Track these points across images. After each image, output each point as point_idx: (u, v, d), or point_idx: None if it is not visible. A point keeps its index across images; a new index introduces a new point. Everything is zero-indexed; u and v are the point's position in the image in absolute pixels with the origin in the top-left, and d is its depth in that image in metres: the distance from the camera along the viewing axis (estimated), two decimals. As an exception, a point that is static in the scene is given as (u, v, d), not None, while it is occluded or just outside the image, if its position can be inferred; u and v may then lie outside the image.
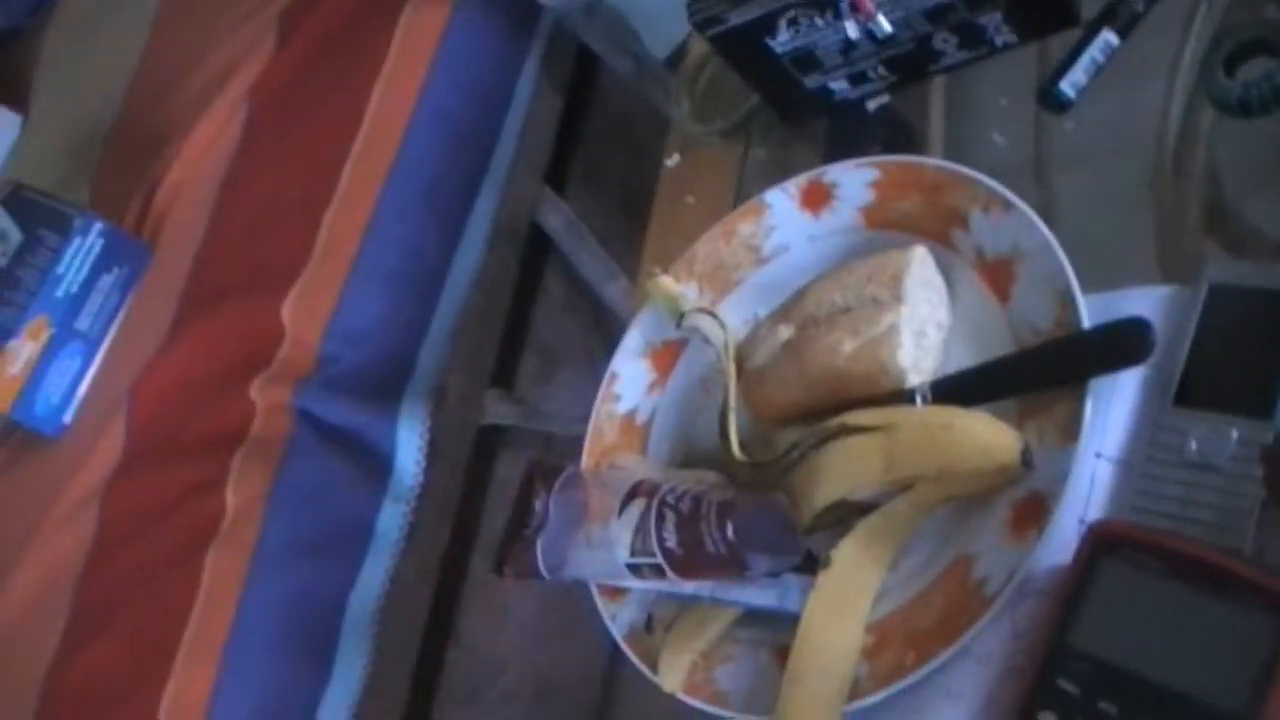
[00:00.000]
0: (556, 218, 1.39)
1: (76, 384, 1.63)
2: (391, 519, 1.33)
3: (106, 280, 1.63)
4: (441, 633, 1.36)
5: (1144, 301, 0.78)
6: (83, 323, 1.62)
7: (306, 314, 1.41)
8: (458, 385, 1.38)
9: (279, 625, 1.29)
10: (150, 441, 1.50)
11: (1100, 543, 0.70)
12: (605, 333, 1.35)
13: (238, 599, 1.29)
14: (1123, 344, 0.75)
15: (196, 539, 1.34)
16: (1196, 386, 0.73)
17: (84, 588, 1.45)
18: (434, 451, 1.34)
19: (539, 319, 1.47)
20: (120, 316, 1.65)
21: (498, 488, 1.40)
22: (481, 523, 1.40)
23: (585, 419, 1.01)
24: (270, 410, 1.38)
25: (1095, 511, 0.75)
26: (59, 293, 1.60)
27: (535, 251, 1.44)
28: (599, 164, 1.46)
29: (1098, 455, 0.76)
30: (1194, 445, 0.72)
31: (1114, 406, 0.76)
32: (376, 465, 1.34)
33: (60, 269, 1.59)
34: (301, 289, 1.42)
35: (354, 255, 1.42)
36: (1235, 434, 0.70)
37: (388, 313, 1.41)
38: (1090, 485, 0.75)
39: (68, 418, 1.62)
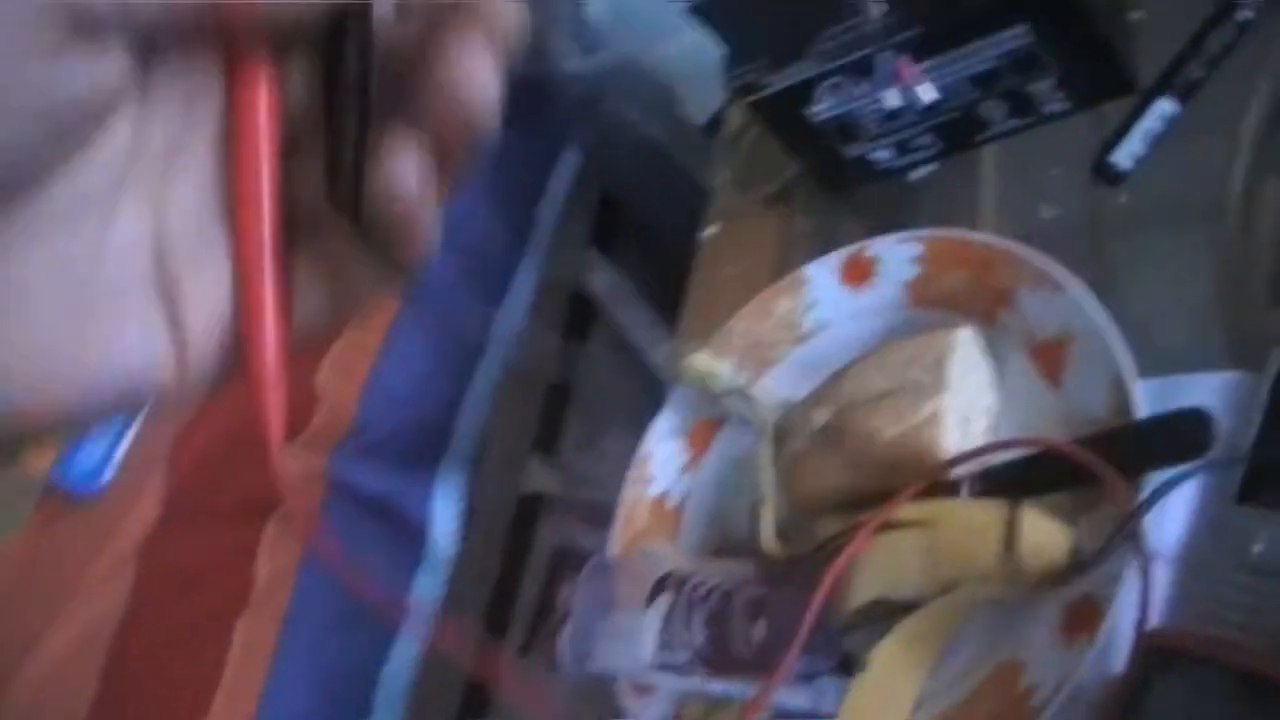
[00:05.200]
0: (602, 280, 1.36)
1: (115, 447, 1.61)
2: (426, 590, 1.31)
3: (148, 340, 1.62)
4: (477, 706, 1.32)
5: (1205, 388, 0.73)
6: (123, 383, 1.61)
7: (343, 376, 1.39)
8: (497, 451, 1.35)
9: (309, 697, 1.27)
10: (187, 504, 1.49)
11: (1155, 654, 0.65)
12: (652, 397, 1.32)
13: (267, 668, 1.27)
14: (1180, 437, 0.70)
15: (228, 606, 1.33)
16: (1262, 483, 0.68)
17: (117, 649, 1.44)
18: (471, 521, 1.31)
19: (583, 384, 1.43)
20: (161, 378, 1.64)
21: (539, 557, 1.36)
22: (520, 594, 1.36)
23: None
24: (304, 478, 1.36)
25: (1154, 616, 0.69)
26: (101, 353, 1.58)
27: (580, 315, 1.40)
28: (646, 228, 1.43)
29: (1155, 556, 0.70)
30: (1259, 548, 0.67)
31: (1172, 503, 0.71)
32: (412, 535, 1.32)
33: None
34: (338, 352, 1.40)
35: (391, 319, 1.39)
36: (1305, 537, 0.65)
37: (425, 375, 1.39)
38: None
39: (105, 480, 1.61)
